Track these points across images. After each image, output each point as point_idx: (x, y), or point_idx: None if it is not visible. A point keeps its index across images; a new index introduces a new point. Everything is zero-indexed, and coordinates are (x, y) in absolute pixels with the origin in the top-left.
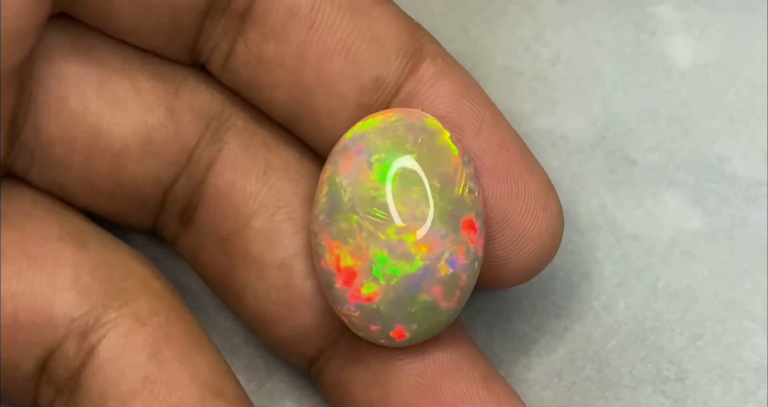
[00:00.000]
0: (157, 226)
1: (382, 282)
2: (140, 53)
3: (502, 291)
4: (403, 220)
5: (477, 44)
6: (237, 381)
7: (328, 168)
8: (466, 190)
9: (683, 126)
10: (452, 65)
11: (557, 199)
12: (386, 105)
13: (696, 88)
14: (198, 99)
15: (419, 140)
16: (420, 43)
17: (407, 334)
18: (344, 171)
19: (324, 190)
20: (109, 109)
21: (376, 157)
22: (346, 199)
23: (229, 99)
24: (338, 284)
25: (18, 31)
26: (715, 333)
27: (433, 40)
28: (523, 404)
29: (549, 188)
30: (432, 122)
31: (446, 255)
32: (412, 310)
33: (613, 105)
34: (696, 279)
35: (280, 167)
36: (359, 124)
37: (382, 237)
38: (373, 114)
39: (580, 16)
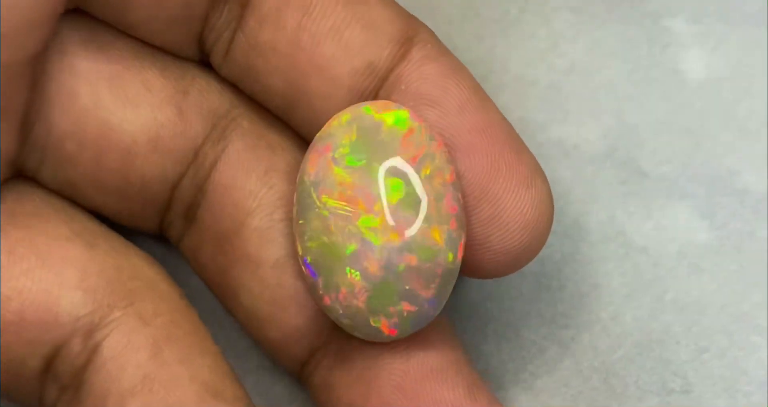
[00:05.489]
0: (163, 226)
1: (357, 276)
2: (152, 51)
3: (510, 300)
4: (372, 211)
5: (491, 53)
6: (239, 384)
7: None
8: (437, 173)
9: (695, 139)
10: (442, 52)
11: (546, 181)
12: (377, 90)
13: (708, 101)
14: (206, 98)
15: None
16: (414, 31)
17: (394, 327)
18: (311, 170)
19: (296, 189)
20: (120, 106)
21: (339, 151)
22: (314, 195)
23: (237, 99)
24: (316, 282)
25: (33, 20)
26: (721, 346)
27: (427, 30)
28: None
29: (535, 169)
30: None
31: (421, 242)
32: (393, 301)
33: (625, 116)
34: (704, 292)
35: (282, 169)
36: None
37: (353, 230)
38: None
39: (595, 27)
